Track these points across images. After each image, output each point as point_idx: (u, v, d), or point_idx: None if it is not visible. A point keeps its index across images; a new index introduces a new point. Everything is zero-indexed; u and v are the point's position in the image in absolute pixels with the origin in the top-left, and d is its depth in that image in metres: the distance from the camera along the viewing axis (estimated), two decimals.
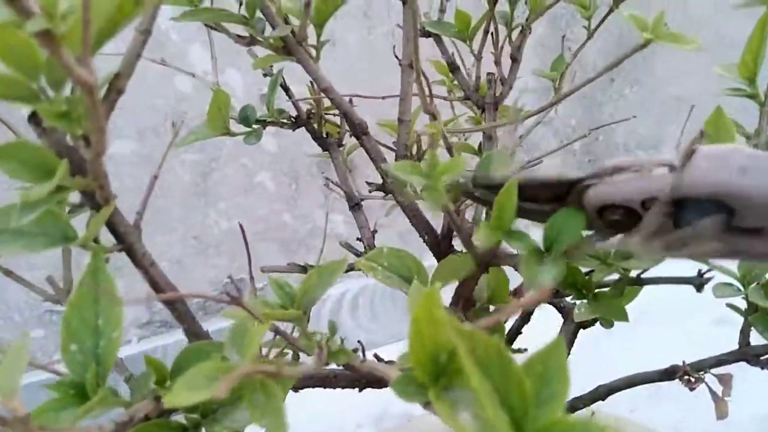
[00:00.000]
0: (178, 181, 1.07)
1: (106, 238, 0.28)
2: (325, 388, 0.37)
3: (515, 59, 0.49)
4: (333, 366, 0.37)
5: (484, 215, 0.51)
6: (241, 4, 0.38)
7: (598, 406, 0.58)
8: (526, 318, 0.48)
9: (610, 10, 0.55)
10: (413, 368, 0.20)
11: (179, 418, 0.26)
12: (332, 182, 0.54)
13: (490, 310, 0.36)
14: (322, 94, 0.46)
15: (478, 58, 0.50)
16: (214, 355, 0.24)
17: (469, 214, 0.50)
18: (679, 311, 1.14)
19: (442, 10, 0.51)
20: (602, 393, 0.48)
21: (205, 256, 1.13)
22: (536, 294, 0.17)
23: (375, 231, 0.54)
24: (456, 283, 0.38)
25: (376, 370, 0.25)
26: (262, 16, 0.37)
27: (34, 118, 0.22)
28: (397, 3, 0.39)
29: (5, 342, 0.84)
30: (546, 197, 0.28)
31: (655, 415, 0.94)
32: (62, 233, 0.24)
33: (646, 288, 0.43)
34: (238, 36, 0.38)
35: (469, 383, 0.19)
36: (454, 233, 0.46)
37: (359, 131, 0.42)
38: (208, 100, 0.44)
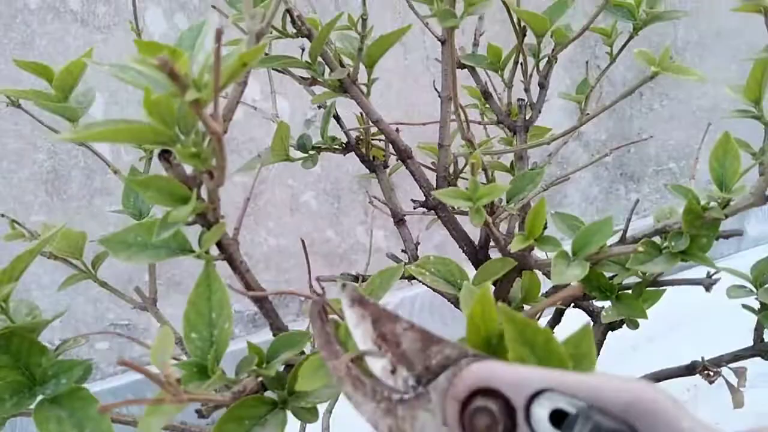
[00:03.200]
0: (230, 202, 1.15)
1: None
2: None
3: (543, 86, 0.54)
4: None
5: (516, 228, 0.56)
6: (303, 51, 0.45)
7: None
8: (557, 319, 0.53)
9: (631, 37, 0.60)
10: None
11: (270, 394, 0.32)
12: (379, 200, 0.60)
13: (525, 308, 0.42)
14: (371, 124, 0.52)
15: (509, 86, 0.56)
16: (301, 341, 0.30)
17: (503, 228, 0.55)
18: (713, 321, 1.16)
19: (475, 44, 0.57)
20: None
21: (254, 272, 1.20)
22: (568, 291, 0.23)
23: (418, 243, 0.59)
24: (493, 287, 0.44)
25: None
26: (321, 60, 0.44)
27: (164, 155, 0.28)
28: (431, 31, 0.45)
29: (74, 355, 0.92)
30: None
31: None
32: (180, 246, 0.30)
33: (683, 299, 0.46)
34: (302, 78, 0.44)
35: (516, 360, 0.25)
36: (491, 244, 0.51)
37: (404, 156, 0.48)
38: (256, 125, 0.50)
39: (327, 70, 0.44)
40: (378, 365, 0.23)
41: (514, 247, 0.33)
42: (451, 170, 0.53)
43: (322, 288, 0.33)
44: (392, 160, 0.62)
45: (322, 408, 0.69)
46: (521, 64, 0.55)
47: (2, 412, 0.31)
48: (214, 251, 0.32)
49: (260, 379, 0.32)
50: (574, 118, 1.34)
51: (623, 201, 1.48)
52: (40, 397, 0.33)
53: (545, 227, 0.36)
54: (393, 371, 0.23)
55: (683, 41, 1.44)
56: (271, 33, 0.41)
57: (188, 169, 0.29)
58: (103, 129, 0.23)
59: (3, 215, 0.50)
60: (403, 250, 0.60)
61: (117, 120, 0.24)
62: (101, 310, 1.12)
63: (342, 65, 0.45)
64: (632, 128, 1.44)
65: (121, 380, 1.11)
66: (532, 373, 0.20)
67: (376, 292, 0.34)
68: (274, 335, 0.35)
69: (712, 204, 0.38)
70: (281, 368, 0.34)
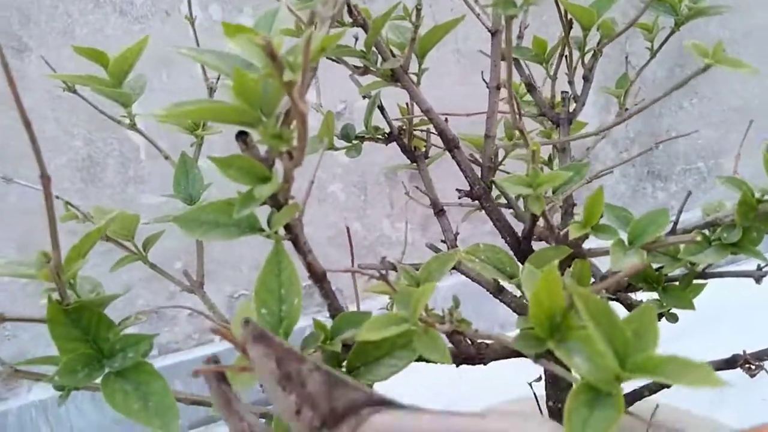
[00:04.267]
0: None
1: None
2: (427, 362, 0.43)
3: (587, 79, 0.55)
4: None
5: (560, 219, 0.57)
6: (356, 40, 0.46)
7: (666, 399, 0.63)
8: None
9: (672, 32, 0.60)
10: (533, 327, 0.26)
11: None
12: (419, 189, 0.61)
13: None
14: (414, 114, 0.53)
15: (553, 78, 0.56)
16: (363, 320, 0.31)
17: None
18: (756, 314, 1.15)
19: (519, 37, 0.57)
20: None
21: None
22: (631, 269, 0.23)
23: (457, 233, 0.60)
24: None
25: (491, 336, 0.31)
26: (374, 50, 0.44)
27: (241, 136, 0.29)
28: (461, 25, 0.45)
29: None
30: None
31: (722, 413, 0.97)
32: (250, 224, 0.31)
33: (724, 291, 0.46)
34: (355, 67, 0.45)
35: (579, 338, 0.25)
36: (533, 236, 0.52)
37: (452, 145, 0.49)
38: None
39: (379, 59, 0.45)
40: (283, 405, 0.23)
41: (572, 234, 0.34)
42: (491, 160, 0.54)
43: (385, 270, 0.34)
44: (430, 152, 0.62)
45: None
46: (566, 56, 0.55)
47: (75, 383, 0.32)
48: (281, 232, 0.33)
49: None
50: (604, 112, 1.33)
51: (650, 199, 1.47)
52: (106, 370, 0.35)
53: (601, 216, 0.36)
54: (298, 412, 0.23)
55: (714, 39, 1.43)
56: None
57: (262, 149, 0.30)
58: (193, 108, 0.24)
59: (57, 197, 0.51)
60: (442, 241, 0.61)
61: (205, 99, 0.25)
62: (131, 296, 1.14)
63: (393, 55, 0.46)
64: (661, 126, 1.43)
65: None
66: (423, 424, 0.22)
67: (432, 276, 0.35)
68: (332, 316, 0.36)
69: (766, 197, 0.38)
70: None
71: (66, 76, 0.52)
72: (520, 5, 0.34)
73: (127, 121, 0.52)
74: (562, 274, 0.41)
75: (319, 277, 0.35)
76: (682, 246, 0.40)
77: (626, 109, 0.71)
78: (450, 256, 0.36)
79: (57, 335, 0.33)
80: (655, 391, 0.58)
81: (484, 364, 0.45)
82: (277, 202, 0.31)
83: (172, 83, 1.05)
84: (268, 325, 0.30)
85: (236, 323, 0.25)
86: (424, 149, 0.61)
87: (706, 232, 0.43)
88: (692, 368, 0.23)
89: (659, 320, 0.56)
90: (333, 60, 0.45)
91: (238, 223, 0.31)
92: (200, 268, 0.53)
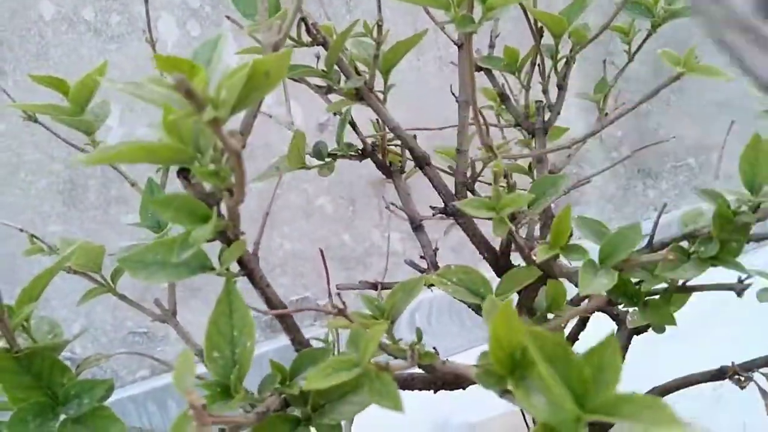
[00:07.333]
0: (245, 207, 1.14)
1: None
2: (404, 390, 0.42)
3: (561, 87, 0.53)
4: (411, 370, 0.42)
5: (538, 231, 0.55)
6: (318, 59, 0.44)
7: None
8: (582, 325, 0.52)
9: (649, 34, 0.59)
10: (492, 364, 0.25)
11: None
12: (396, 206, 0.60)
13: (549, 317, 0.41)
14: (388, 131, 0.51)
15: (527, 88, 0.55)
16: (323, 357, 0.30)
17: (521, 232, 0.54)
18: (739, 316, 1.14)
19: (491, 46, 0.56)
20: (657, 394, 0.52)
21: (270, 277, 1.20)
22: (593, 302, 0.22)
23: (436, 249, 0.58)
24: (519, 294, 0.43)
25: (457, 369, 0.29)
26: (337, 68, 0.43)
27: (182, 173, 0.28)
28: (443, 32, 0.44)
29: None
30: None
31: (718, 421, 0.95)
32: (201, 263, 0.30)
33: (707, 295, 0.45)
34: (318, 86, 0.44)
35: (540, 374, 0.24)
36: (512, 249, 0.50)
37: (422, 162, 0.47)
38: (270, 130, 0.49)
39: (343, 77, 0.44)
40: None
41: (539, 257, 0.33)
42: (468, 174, 0.52)
43: (342, 300, 0.32)
44: (408, 164, 0.61)
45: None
46: (538, 65, 0.54)
47: None
48: (235, 267, 0.32)
49: (283, 395, 0.32)
50: (589, 114, 1.32)
51: (641, 198, 1.46)
52: (62, 417, 0.33)
53: (570, 234, 0.35)
54: None
55: (698, 36, 1.42)
56: (286, 43, 0.41)
57: (207, 185, 0.29)
58: (119, 151, 0.23)
59: (21, 230, 0.50)
60: (421, 256, 0.60)
61: (133, 141, 0.24)
62: (120, 318, 1.13)
63: (357, 72, 0.45)
64: (649, 124, 1.42)
65: (141, 387, 1.11)
66: None
67: (398, 305, 0.34)
68: (296, 350, 0.35)
69: (743, 208, 0.37)
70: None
71: (26, 105, 0.50)
72: (479, 21, 0.33)
73: (92, 148, 0.50)
74: (536, 294, 0.39)
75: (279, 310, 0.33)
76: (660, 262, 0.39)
77: (606, 114, 0.70)
78: (417, 282, 0.34)
79: (7, 384, 0.32)
80: None
81: (464, 388, 0.44)
82: (226, 238, 0.29)
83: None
84: (221, 369, 0.28)
85: (177, 375, 0.24)
86: (399, 164, 0.59)
87: (686, 244, 0.41)
88: (654, 408, 0.22)
89: (646, 330, 0.55)
90: (294, 80, 0.44)
91: (186, 262, 0.30)
92: (171, 296, 0.52)
